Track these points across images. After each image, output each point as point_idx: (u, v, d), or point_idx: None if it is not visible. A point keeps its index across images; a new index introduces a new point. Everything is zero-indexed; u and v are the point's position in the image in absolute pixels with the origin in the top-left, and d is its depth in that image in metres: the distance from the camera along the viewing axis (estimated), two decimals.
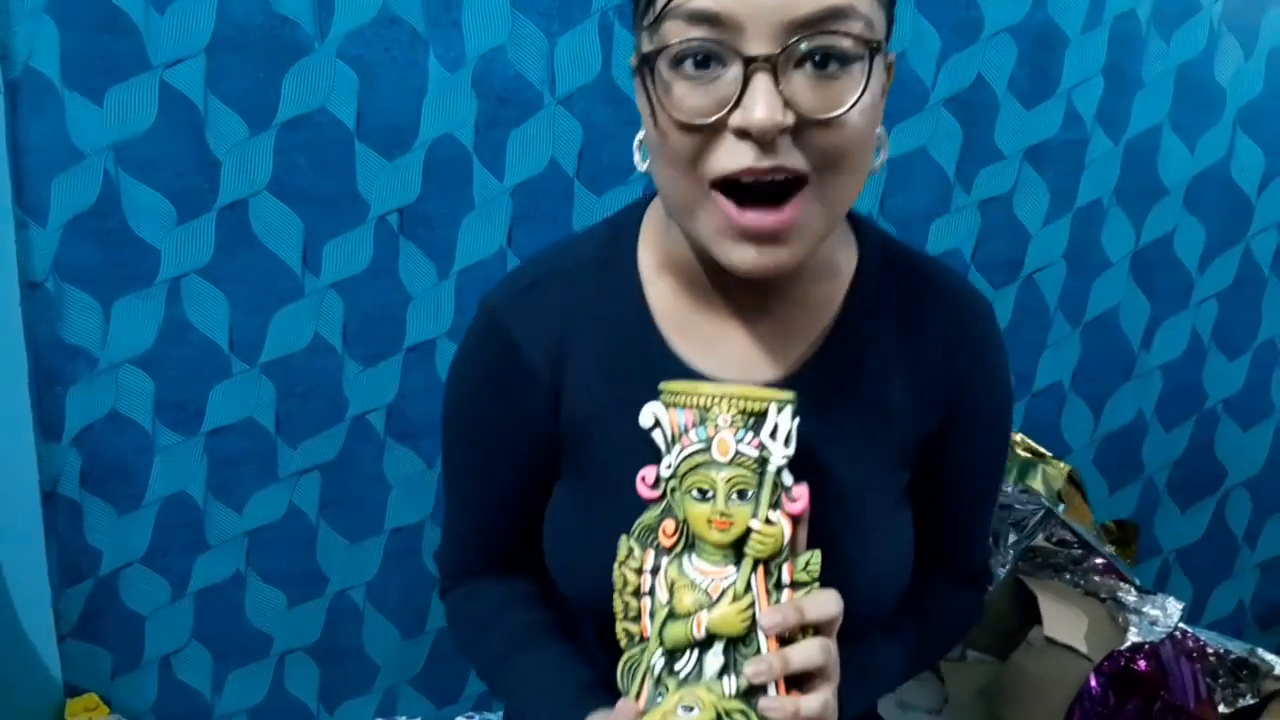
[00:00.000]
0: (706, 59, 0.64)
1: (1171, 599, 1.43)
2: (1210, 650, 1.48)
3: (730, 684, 0.66)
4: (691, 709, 0.65)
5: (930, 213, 1.65)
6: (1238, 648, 1.47)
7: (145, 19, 1.36)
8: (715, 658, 0.67)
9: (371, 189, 1.48)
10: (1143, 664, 1.36)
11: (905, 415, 0.79)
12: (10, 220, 1.39)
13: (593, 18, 1.47)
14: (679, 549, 0.69)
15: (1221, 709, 1.45)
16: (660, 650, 0.68)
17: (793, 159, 0.64)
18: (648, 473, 0.70)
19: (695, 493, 0.68)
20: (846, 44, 0.63)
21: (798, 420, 0.67)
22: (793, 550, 0.68)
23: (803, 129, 0.64)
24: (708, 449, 0.68)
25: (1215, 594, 1.97)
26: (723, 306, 0.77)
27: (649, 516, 0.70)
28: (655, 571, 0.69)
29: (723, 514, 0.67)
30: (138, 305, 1.46)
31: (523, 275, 0.84)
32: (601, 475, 0.79)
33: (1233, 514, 1.93)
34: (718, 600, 0.67)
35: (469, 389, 0.85)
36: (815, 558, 0.68)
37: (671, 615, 0.68)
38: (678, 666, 0.67)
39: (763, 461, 0.67)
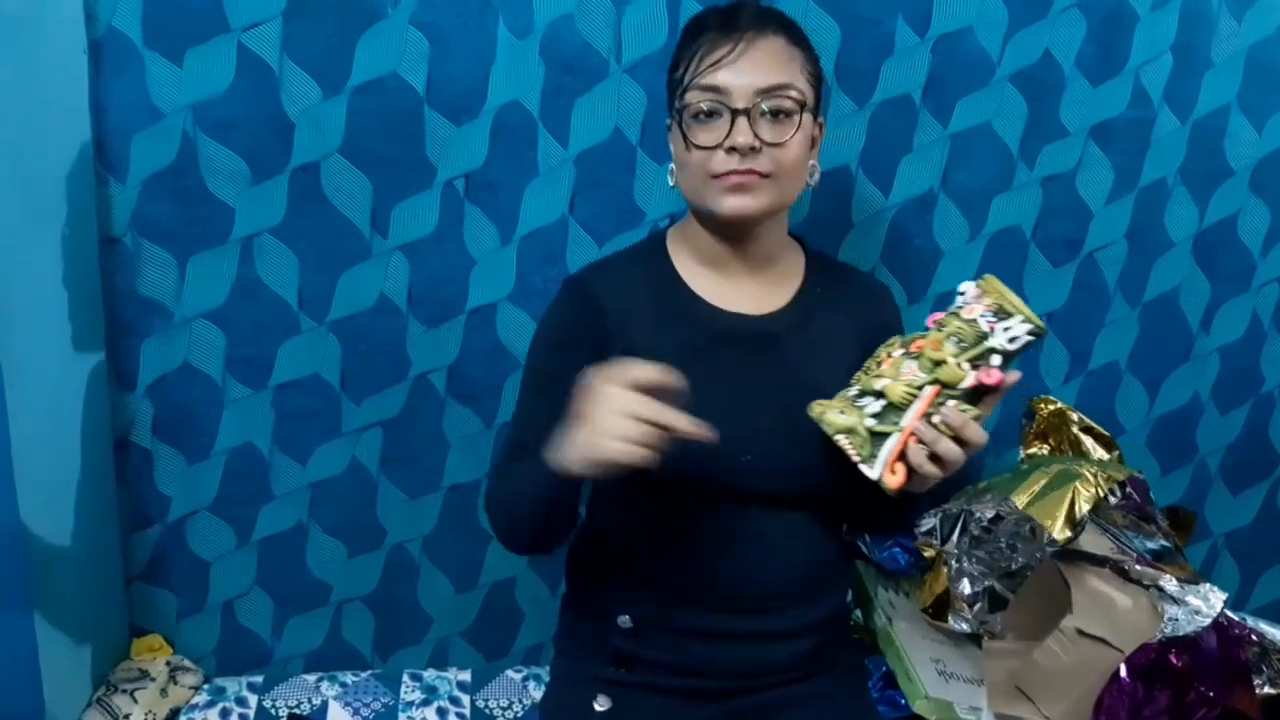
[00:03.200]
0: (711, 112, 1.15)
1: (1214, 588, 1.42)
2: (1255, 637, 1.48)
3: (872, 422, 1.08)
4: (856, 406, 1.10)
5: (992, 189, 1.64)
6: None
7: None
8: (875, 407, 1.08)
9: (439, 154, 1.50)
10: (1175, 659, 1.36)
11: (849, 348, 1.23)
12: (91, 176, 1.44)
13: None
14: (913, 355, 1.09)
15: (1269, 690, 1.45)
16: (858, 388, 1.11)
17: (759, 164, 1.14)
18: (937, 314, 1.11)
19: (937, 327, 1.09)
20: (788, 104, 1.15)
21: (1031, 340, 1.05)
22: (973, 405, 1.06)
23: (763, 149, 1.13)
24: (962, 309, 1.08)
25: (1263, 579, 1.96)
26: (725, 273, 1.24)
27: (918, 334, 1.11)
28: (892, 357, 1.11)
29: (939, 343, 1.07)
30: (212, 262, 1.51)
31: (598, 263, 1.30)
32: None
33: None
34: (901, 380, 1.07)
35: (560, 330, 1.24)
36: (975, 413, 1.05)
37: (877, 375, 1.10)
38: (859, 400, 1.09)
39: (984, 335, 1.06)
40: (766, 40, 1.15)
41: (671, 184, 1.24)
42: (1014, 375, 1.06)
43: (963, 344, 1.06)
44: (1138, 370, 1.79)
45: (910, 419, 1.06)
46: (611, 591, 1.26)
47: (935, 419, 1.05)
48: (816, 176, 1.23)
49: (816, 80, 1.20)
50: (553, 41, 1.48)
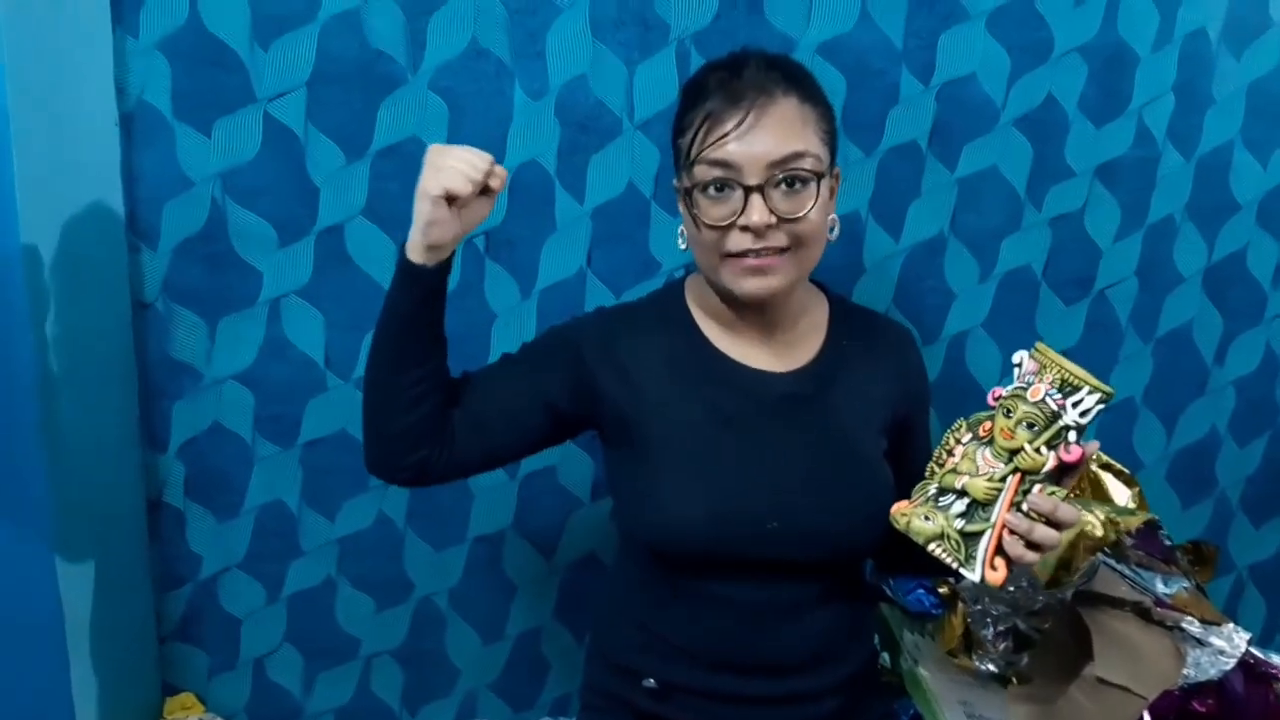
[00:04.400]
0: (721, 186, 1.08)
1: (1238, 628, 1.40)
2: (1276, 677, 1.46)
3: (960, 523, 1.05)
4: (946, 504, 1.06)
5: (1001, 230, 1.67)
6: None
7: (251, 55, 1.45)
8: (960, 506, 1.04)
9: None
10: (1199, 704, 1.35)
11: (878, 402, 1.20)
12: (123, 244, 1.48)
13: (670, 46, 1.52)
14: (983, 440, 1.06)
15: None
16: (936, 485, 1.07)
17: (776, 240, 1.08)
18: (998, 390, 1.06)
19: (1005, 411, 1.04)
20: (803, 173, 1.07)
21: (1102, 408, 1.01)
22: (1057, 484, 1.03)
23: (780, 223, 1.07)
24: (1026, 390, 1.03)
25: None
26: (747, 332, 1.20)
27: (982, 415, 1.07)
28: (962, 444, 1.07)
29: (1010, 430, 1.03)
30: (241, 324, 1.55)
31: (622, 308, 1.27)
32: (675, 445, 1.14)
33: None
34: (981, 475, 1.04)
35: (563, 343, 1.20)
36: (1062, 493, 1.03)
37: (954, 471, 1.06)
38: (941, 500, 1.06)
39: (1055, 415, 1.01)
40: (776, 105, 1.07)
41: (683, 247, 1.17)
42: (1093, 445, 1.04)
43: (1035, 428, 1.02)
44: (1154, 405, 1.80)
45: (999, 513, 1.03)
46: (636, 652, 1.24)
47: (1025, 507, 1.03)
48: (836, 230, 1.16)
49: (831, 135, 1.13)
50: (567, 102, 1.52)
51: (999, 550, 1.04)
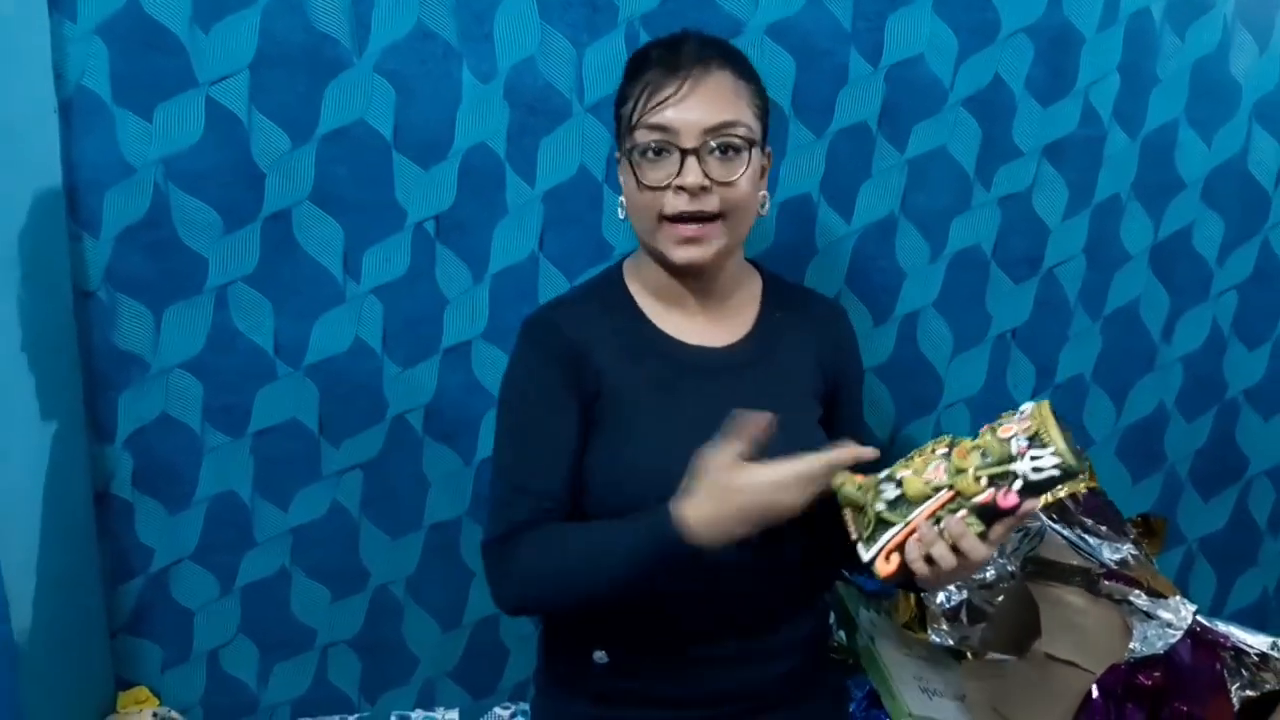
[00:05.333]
0: (659, 150, 1.14)
1: (1185, 600, 1.43)
2: (1229, 643, 1.49)
3: (882, 507, 1.07)
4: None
5: (951, 210, 1.68)
6: (1260, 641, 1.48)
7: (191, 37, 1.42)
8: (891, 494, 1.07)
9: (409, 197, 1.53)
10: (1145, 678, 1.37)
11: (811, 369, 1.27)
12: (64, 233, 1.46)
13: (619, 28, 1.52)
14: (947, 455, 1.07)
15: (1248, 693, 1.46)
16: (888, 472, 1.09)
17: (709, 204, 1.14)
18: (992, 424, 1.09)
19: (973, 438, 1.07)
20: (736, 141, 1.14)
21: (1057, 476, 1.02)
22: (985, 524, 1.04)
23: (713, 188, 1.14)
24: (1000, 427, 1.06)
25: (1239, 583, 1.99)
26: (684, 307, 1.24)
27: (968, 438, 1.09)
28: (935, 452, 1.08)
29: (966, 452, 1.05)
30: (187, 312, 1.52)
31: (553, 302, 1.28)
32: (627, 420, 1.18)
33: (1256, 503, 1.95)
34: (923, 477, 1.06)
35: (533, 368, 1.20)
36: (979, 529, 1.03)
37: (906, 464, 1.09)
38: (882, 484, 1.08)
39: (1011, 457, 1.03)
40: (712, 77, 1.14)
41: (622, 216, 1.23)
42: (1031, 504, 1.04)
43: (987, 459, 1.04)
44: (1103, 382, 1.82)
45: (917, 516, 1.05)
46: (585, 627, 1.24)
47: (941, 524, 1.05)
48: (766, 206, 1.23)
49: (764, 112, 1.20)
50: (516, 84, 1.52)
51: (899, 547, 1.06)
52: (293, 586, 1.68)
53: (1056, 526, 1.51)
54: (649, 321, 1.24)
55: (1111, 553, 1.49)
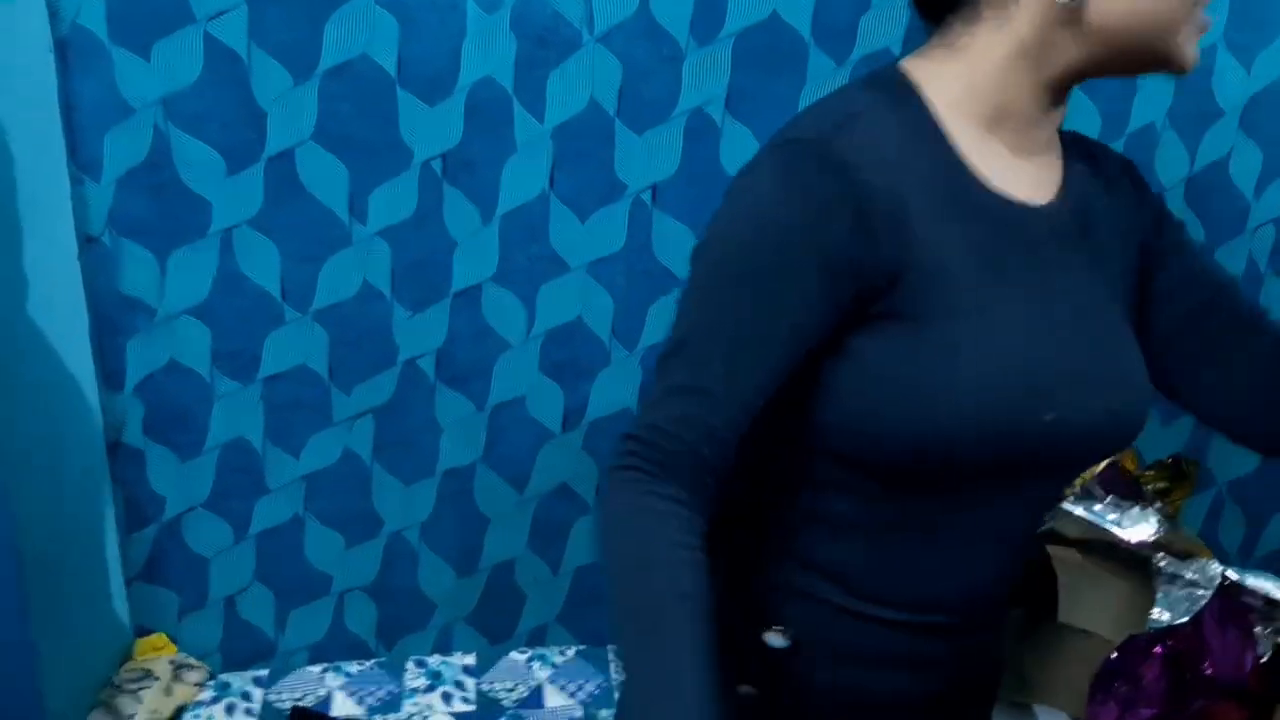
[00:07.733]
0: None
1: (1211, 561, 1.34)
2: (1255, 601, 1.44)
3: None
4: None
5: None
6: None
7: None
8: None
9: (414, 135, 1.49)
10: (1163, 647, 1.33)
11: (1119, 246, 0.89)
12: (65, 176, 1.43)
13: None
14: None
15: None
16: None
17: None
18: None
19: None
20: None
21: None
22: None
23: None
24: None
25: (1270, 525, 1.95)
26: (1011, 143, 0.83)
27: None
28: None
29: None
30: (192, 257, 1.50)
31: (827, 115, 0.80)
32: (951, 310, 0.78)
33: None
34: None
35: (793, 222, 0.77)
36: None
37: None
38: None
39: None
40: None
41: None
42: None
43: None
44: None
45: None
46: (773, 603, 0.90)
47: None
48: None
49: None
50: (523, 14, 1.46)
51: None
52: (306, 533, 1.67)
53: (1071, 508, 1.46)
54: (963, 162, 0.81)
55: (1129, 524, 1.45)
